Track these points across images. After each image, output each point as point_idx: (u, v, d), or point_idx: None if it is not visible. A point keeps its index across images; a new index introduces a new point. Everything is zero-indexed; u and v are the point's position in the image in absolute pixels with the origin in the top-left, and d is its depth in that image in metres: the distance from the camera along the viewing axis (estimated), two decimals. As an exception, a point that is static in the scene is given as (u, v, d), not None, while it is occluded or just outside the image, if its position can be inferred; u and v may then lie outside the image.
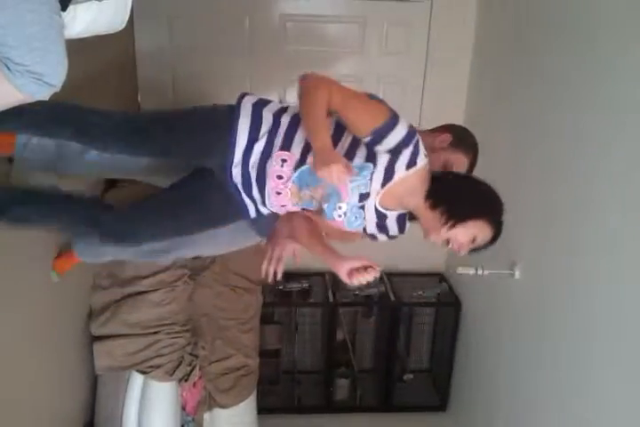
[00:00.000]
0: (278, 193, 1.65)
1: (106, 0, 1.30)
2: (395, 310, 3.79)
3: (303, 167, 1.59)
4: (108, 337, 2.72)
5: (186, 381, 2.80)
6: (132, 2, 1.49)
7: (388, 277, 3.91)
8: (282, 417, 3.81)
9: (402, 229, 1.73)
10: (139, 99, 3.66)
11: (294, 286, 3.76)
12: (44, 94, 1.18)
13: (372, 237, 1.79)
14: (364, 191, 1.58)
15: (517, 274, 2.81)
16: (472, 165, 1.83)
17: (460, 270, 2.94)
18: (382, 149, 1.51)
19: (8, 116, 1.54)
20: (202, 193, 1.74)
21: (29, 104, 1.21)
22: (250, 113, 1.64)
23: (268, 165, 1.62)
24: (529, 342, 2.74)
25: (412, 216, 1.67)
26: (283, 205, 1.70)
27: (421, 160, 1.53)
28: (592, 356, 2.21)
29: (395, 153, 1.51)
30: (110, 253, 2.30)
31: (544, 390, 2.58)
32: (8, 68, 1.12)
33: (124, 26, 1.54)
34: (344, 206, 1.62)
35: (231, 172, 1.66)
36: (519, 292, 2.84)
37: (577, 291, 2.32)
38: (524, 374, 2.77)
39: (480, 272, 2.87)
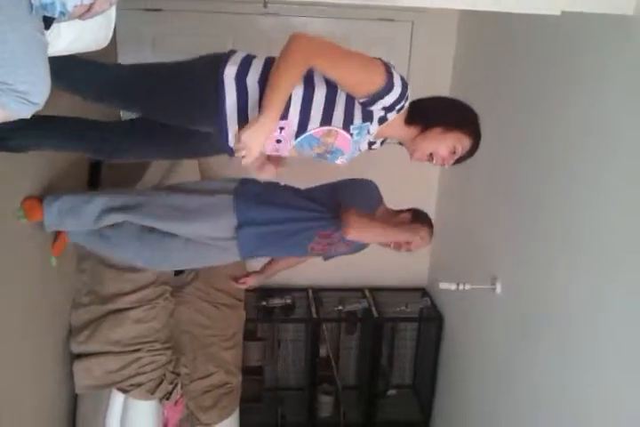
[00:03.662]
0: (278, 141, 1.62)
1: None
2: (378, 325, 3.79)
3: (303, 136, 1.58)
4: (88, 355, 2.68)
5: (167, 399, 2.76)
6: (116, 20, 1.50)
7: (371, 292, 3.91)
8: (265, 435, 3.78)
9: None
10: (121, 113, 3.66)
11: (277, 301, 3.74)
12: (26, 112, 1.18)
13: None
14: (362, 145, 1.67)
15: (499, 288, 2.83)
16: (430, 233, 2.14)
17: (442, 286, 2.95)
18: (377, 108, 1.55)
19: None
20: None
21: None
22: (235, 88, 1.56)
23: None
24: (511, 356, 2.75)
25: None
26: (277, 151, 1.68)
27: (406, 101, 1.58)
28: (574, 369, 2.23)
29: (390, 108, 1.56)
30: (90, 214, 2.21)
31: (527, 404, 2.58)
32: (-9, 87, 1.12)
33: (107, 42, 1.55)
34: (346, 156, 1.66)
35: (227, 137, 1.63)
36: (500, 306, 2.86)
37: (557, 305, 2.34)
38: (507, 388, 2.78)
39: (462, 287, 2.89)
